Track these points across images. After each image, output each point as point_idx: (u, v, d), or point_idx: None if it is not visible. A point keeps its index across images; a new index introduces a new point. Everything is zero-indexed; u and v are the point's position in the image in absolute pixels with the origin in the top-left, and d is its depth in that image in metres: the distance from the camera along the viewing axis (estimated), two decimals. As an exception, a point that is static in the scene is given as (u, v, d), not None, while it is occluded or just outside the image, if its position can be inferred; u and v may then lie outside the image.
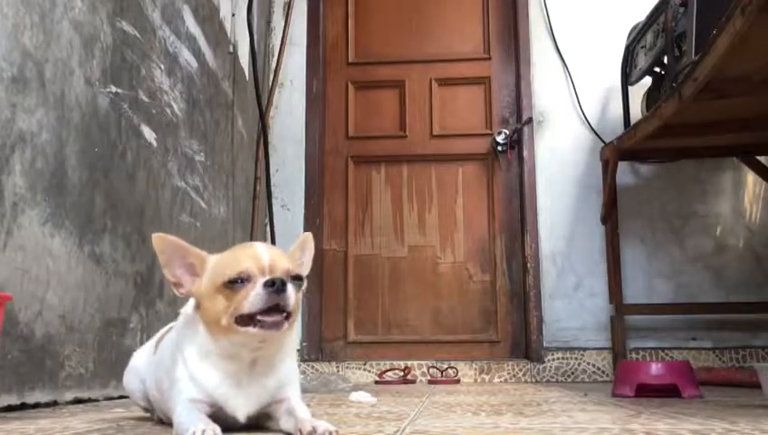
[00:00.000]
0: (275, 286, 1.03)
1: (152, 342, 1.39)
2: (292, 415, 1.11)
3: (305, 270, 1.20)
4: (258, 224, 3.58)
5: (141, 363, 1.41)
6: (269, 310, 1.04)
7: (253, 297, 1.03)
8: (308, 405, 1.17)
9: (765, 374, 1.73)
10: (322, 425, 1.04)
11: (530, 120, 3.65)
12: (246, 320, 1.05)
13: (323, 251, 3.70)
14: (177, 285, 1.13)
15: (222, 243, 2.99)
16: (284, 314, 1.05)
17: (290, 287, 1.05)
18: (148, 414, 1.46)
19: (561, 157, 3.61)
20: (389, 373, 3.34)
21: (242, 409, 1.12)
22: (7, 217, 1.60)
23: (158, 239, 1.12)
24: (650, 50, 2.96)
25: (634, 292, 3.41)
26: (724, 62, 2.02)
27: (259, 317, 1.04)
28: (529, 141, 3.65)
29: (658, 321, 3.39)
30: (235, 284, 1.05)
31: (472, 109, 3.80)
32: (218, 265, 1.11)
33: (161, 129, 2.46)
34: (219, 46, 3.10)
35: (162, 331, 1.37)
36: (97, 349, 2.01)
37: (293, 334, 1.19)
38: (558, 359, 3.40)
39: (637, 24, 3.15)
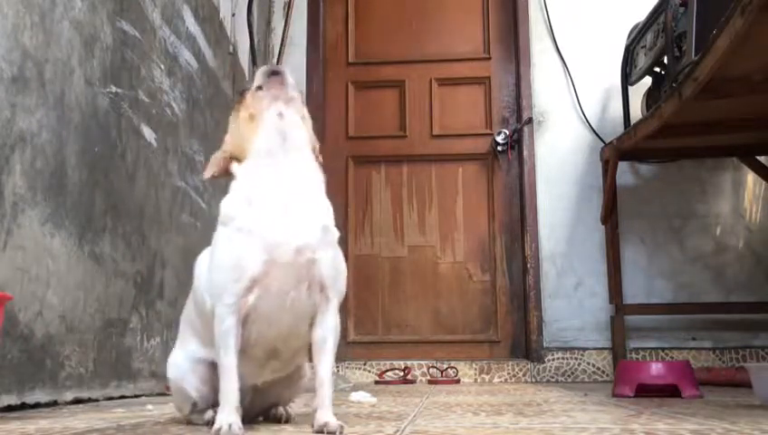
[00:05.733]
0: (271, 67, 1.25)
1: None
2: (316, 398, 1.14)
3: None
4: (258, 224, 3.57)
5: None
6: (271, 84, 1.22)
7: (257, 77, 1.23)
8: (306, 405, 1.16)
9: (756, 375, 1.73)
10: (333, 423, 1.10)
11: (530, 120, 3.64)
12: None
13: (323, 251, 3.69)
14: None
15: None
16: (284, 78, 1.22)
17: (287, 72, 1.24)
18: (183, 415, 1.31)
19: (561, 157, 3.61)
20: (389, 373, 3.34)
21: (290, 229, 1.14)
22: (7, 217, 1.60)
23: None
24: (650, 50, 2.96)
25: (634, 292, 3.41)
26: (724, 63, 2.02)
27: (263, 87, 1.22)
28: (529, 141, 3.64)
29: (658, 321, 3.39)
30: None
31: (472, 109, 3.80)
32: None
33: (161, 129, 2.46)
34: (219, 46, 3.10)
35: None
36: (97, 349, 2.01)
37: (319, 170, 1.34)
38: (558, 359, 3.40)
39: (637, 24, 3.15)
